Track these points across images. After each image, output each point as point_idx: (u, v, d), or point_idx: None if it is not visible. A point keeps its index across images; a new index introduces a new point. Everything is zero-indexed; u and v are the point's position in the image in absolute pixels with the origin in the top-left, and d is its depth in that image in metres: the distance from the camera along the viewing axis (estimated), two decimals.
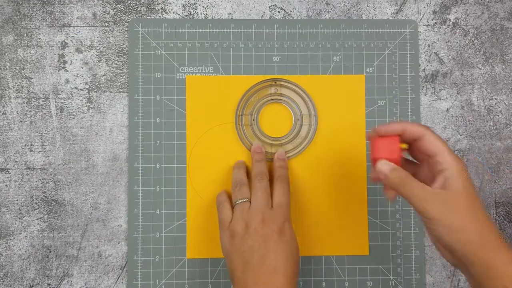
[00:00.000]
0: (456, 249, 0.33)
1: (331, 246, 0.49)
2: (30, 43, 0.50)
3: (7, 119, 0.49)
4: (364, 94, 0.51)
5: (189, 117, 0.50)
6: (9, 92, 0.50)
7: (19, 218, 0.49)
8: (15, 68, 0.50)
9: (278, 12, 0.52)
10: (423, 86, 0.52)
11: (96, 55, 0.50)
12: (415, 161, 0.40)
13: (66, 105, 0.50)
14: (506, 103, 0.52)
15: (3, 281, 0.48)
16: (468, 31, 0.52)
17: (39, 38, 0.50)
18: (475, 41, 0.52)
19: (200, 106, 0.50)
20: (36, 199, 0.49)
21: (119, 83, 0.50)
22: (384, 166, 0.36)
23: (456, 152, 0.51)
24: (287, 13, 0.52)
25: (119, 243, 0.49)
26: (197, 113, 0.50)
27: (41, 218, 0.49)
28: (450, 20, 0.52)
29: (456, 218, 0.33)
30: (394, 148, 0.37)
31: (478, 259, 0.33)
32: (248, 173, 0.48)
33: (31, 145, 0.49)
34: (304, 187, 0.50)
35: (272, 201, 0.43)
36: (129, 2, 0.51)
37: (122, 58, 0.50)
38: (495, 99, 0.52)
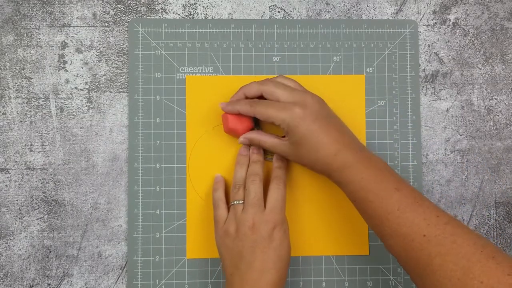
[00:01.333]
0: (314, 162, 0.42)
1: (330, 246, 0.49)
2: (30, 43, 0.50)
3: (7, 119, 0.49)
4: (364, 94, 0.51)
5: (189, 117, 0.50)
6: (9, 92, 0.50)
7: (19, 218, 0.49)
8: (15, 68, 0.50)
9: (278, 12, 0.52)
10: (423, 86, 0.52)
11: (96, 55, 0.50)
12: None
13: (66, 105, 0.50)
14: (506, 103, 0.52)
15: (3, 281, 0.48)
16: (468, 31, 0.52)
17: (39, 38, 0.50)
18: (475, 41, 0.52)
19: (200, 106, 0.50)
20: (36, 199, 0.49)
21: (119, 83, 0.50)
22: (241, 139, 0.46)
23: (456, 152, 0.51)
24: (287, 13, 0.52)
25: (119, 243, 0.49)
26: (197, 113, 0.50)
27: (41, 218, 0.49)
28: (450, 20, 0.52)
29: (297, 154, 0.43)
30: (245, 120, 0.47)
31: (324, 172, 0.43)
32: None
33: (31, 145, 0.49)
34: (303, 187, 0.50)
35: (265, 202, 0.44)
36: (129, 2, 0.51)
37: (122, 58, 0.50)
38: (495, 99, 0.52)
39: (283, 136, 0.45)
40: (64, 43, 0.50)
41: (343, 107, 0.50)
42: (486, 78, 0.52)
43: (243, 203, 0.44)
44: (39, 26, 0.50)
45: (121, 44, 0.51)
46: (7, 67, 0.50)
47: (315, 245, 0.49)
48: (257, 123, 0.48)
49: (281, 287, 0.42)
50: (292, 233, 0.49)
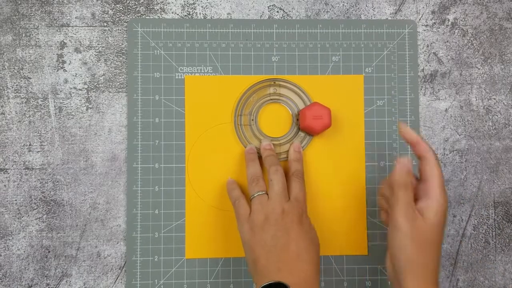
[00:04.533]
0: (397, 264, 0.38)
1: (330, 246, 0.49)
2: (28, 43, 0.50)
3: (5, 119, 0.49)
4: (363, 94, 0.51)
5: (188, 117, 0.50)
6: (7, 92, 0.50)
7: (18, 218, 0.49)
8: (14, 68, 0.50)
9: (277, 12, 0.52)
10: (422, 86, 0.52)
11: (95, 55, 0.50)
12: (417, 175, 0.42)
13: (64, 105, 0.50)
14: (505, 103, 0.52)
15: (1, 281, 0.48)
16: (467, 31, 0.52)
17: (38, 38, 0.50)
18: (474, 41, 0.52)
19: (199, 106, 0.50)
20: (34, 199, 0.49)
21: (118, 83, 0.50)
22: (406, 164, 0.39)
23: (455, 152, 0.51)
24: (286, 13, 0.52)
25: (118, 243, 0.49)
26: (196, 113, 0.50)
27: (39, 218, 0.49)
28: (449, 20, 0.52)
29: (412, 242, 0.37)
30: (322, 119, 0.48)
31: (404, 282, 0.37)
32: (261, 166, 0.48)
33: (30, 145, 0.49)
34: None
35: (289, 195, 0.44)
36: (128, 2, 0.51)
37: (121, 58, 0.50)
38: (494, 99, 0.52)
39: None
40: (63, 43, 0.50)
41: (342, 107, 0.50)
42: (484, 78, 0.52)
43: (265, 193, 0.44)
44: (38, 26, 0.50)
45: (120, 44, 0.51)
46: (6, 67, 0.50)
47: None
48: None
49: (317, 272, 0.41)
50: None
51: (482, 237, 0.51)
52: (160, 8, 0.51)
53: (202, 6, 0.51)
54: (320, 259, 0.45)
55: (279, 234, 0.41)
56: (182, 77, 0.50)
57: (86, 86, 0.50)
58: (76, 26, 0.50)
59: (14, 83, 0.50)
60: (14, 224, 0.49)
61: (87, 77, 0.50)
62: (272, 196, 0.43)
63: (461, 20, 0.52)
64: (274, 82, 0.50)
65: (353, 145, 0.50)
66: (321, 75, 0.51)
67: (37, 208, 0.49)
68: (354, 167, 0.50)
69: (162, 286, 0.48)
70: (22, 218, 0.49)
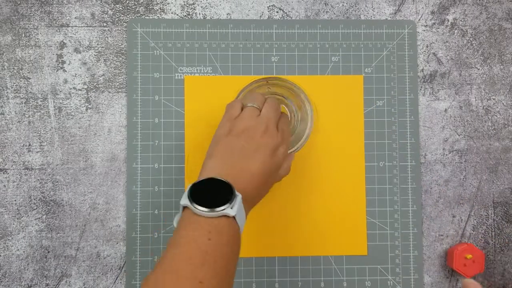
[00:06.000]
0: None
1: (329, 246, 0.49)
2: (28, 43, 0.50)
3: (5, 119, 0.49)
4: (362, 95, 0.51)
5: (187, 117, 0.50)
6: (7, 92, 0.49)
7: (17, 219, 0.49)
8: (13, 68, 0.50)
9: (277, 12, 0.52)
10: (421, 87, 0.52)
11: (95, 55, 0.50)
12: None
13: (64, 105, 0.50)
14: (504, 104, 0.52)
15: (1, 282, 0.48)
16: (466, 31, 0.52)
17: (37, 38, 0.50)
18: (473, 42, 0.52)
19: (199, 106, 0.50)
20: (34, 199, 0.49)
21: (118, 83, 0.50)
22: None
23: (454, 152, 0.51)
24: (286, 13, 0.52)
25: (117, 243, 0.49)
26: (195, 113, 0.50)
27: (39, 218, 0.49)
28: (448, 20, 0.52)
29: None
30: None
31: None
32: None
33: (29, 145, 0.49)
34: (302, 187, 0.50)
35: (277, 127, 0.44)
36: (127, 2, 0.51)
37: (120, 58, 0.50)
38: (493, 99, 0.52)
39: None
40: (62, 43, 0.50)
41: (342, 107, 0.50)
42: (484, 78, 0.52)
43: (259, 109, 0.43)
44: (38, 26, 0.50)
45: (120, 44, 0.51)
46: (5, 67, 0.50)
47: (313, 245, 0.49)
48: None
49: (259, 195, 0.41)
50: (291, 233, 0.49)
51: (481, 237, 0.51)
52: (160, 9, 0.51)
53: (201, 7, 0.51)
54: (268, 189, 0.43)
55: (247, 147, 0.40)
56: (182, 77, 0.50)
57: (85, 86, 0.50)
58: (75, 26, 0.50)
59: (14, 83, 0.50)
60: (13, 224, 0.49)
61: (87, 77, 0.50)
62: (263, 113, 0.43)
63: (461, 21, 0.52)
64: (267, 81, 0.50)
65: (353, 145, 0.50)
66: (321, 75, 0.51)
67: (36, 208, 0.49)
68: (354, 168, 0.50)
69: None
70: (22, 219, 0.49)
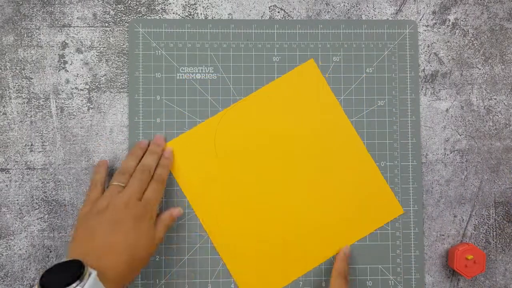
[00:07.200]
0: None
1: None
2: (30, 43, 0.50)
3: (7, 119, 0.49)
4: (322, 77, 0.50)
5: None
6: (9, 92, 0.50)
7: (20, 218, 0.49)
8: (16, 68, 0.50)
9: (278, 12, 0.52)
10: (422, 86, 0.52)
11: (96, 55, 0.50)
12: None
13: (66, 105, 0.50)
14: (506, 103, 0.52)
15: (3, 281, 0.48)
16: (468, 31, 0.52)
17: (40, 39, 0.50)
18: (474, 42, 0.52)
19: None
20: (36, 199, 0.49)
21: (119, 83, 0.50)
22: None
23: (455, 152, 0.51)
24: (287, 13, 0.52)
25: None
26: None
27: (41, 218, 0.49)
28: (449, 20, 0.52)
29: None
30: None
31: None
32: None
33: (32, 145, 0.49)
34: (302, 187, 0.50)
35: (142, 196, 0.44)
36: (129, 2, 0.51)
37: (122, 58, 0.51)
38: (495, 99, 0.52)
39: None
40: (64, 43, 0.50)
41: (309, 99, 0.50)
42: (485, 78, 0.52)
43: (123, 187, 0.44)
44: (40, 26, 0.50)
45: (121, 44, 0.51)
46: (8, 67, 0.50)
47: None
48: None
49: (129, 272, 0.40)
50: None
51: (482, 237, 0.51)
52: (161, 9, 0.51)
53: (203, 7, 0.51)
54: (146, 265, 0.43)
55: (107, 223, 0.40)
56: (183, 78, 0.50)
57: (87, 87, 0.50)
58: (77, 26, 0.50)
59: (16, 83, 0.50)
60: (15, 224, 0.49)
61: (89, 77, 0.50)
62: (125, 190, 0.43)
63: (462, 21, 0.52)
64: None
65: (341, 135, 0.50)
66: (274, 80, 0.51)
67: (38, 208, 0.49)
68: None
69: (163, 286, 0.48)
70: (24, 218, 0.49)
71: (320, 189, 0.50)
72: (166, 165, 0.48)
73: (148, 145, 0.49)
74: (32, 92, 0.50)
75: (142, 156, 0.47)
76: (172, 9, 0.51)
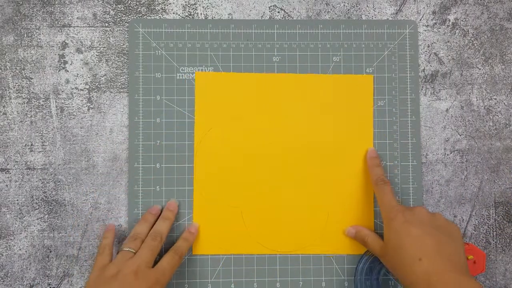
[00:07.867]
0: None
1: (330, 246, 0.49)
2: (30, 43, 0.50)
3: (7, 119, 0.49)
4: (372, 95, 0.51)
5: (198, 115, 0.50)
6: (9, 92, 0.50)
7: (20, 218, 0.49)
8: (16, 68, 0.50)
9: (278, 12, 0.52)
10: (422, 86, 0.52)
11: (96, 55, 0.50)
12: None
13: (66, 105, 0.50)
14: (506, 103, 0.52)
15: (3, 281, 0.48)
16: (468, 31, 0.52)
17: (40, 39, 0.50)
18: (474, 42, 0.52)
19: (209, 104, 0.50)
20: (36, 199, 0.49)
21: (119, 83, 0.50)
22: (350, 231, 0.49)
23: (455, 152, 0.51)
24: (287, 13, 0.52)
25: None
26: (204, 110, 0.50)
27: (41, 218, 0.49)
28: (449, 20, 0.52)
29: (386, 253, 0.43)
30: None
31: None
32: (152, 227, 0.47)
33: (32, 145, 0.49)
34: (303, 188, 0.50)
35: (157, 263, 0.43)
36: (129, 2, 0.51)
37: (122, 58, 0.51)
38: (495, 99, 0.52)
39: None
40: (64, 43, 0.50)
41: (348, 107, 0.50)
42: (485, 78, 0.52)
43: (134, 252, 0.43)
44: (40, 26, 0.50)
45: (121, 44, 0.51)
46: (8, 67, 0.50)
47: (314, 244, 0.49)
48: None
49: None
50: (292, 232, 0.49)
51: (483, 237, 0.51)
52: (161, 9, 0.51)
53: (203, 7, 0.51)
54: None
55: None
56: (183, 77, 0.50)
57: (87, 87, 0.50)
58: (77, 26, 0.50)
59: (16, 83, 0.50)
60: (15, 224, 0.49)
61: (89, 77, 0.50)
62: (135, 258, 0.42)
63: (462, 21, 0.52)
64: None
65: (359, 145, 0.50)
66: (322, 74, 0.51)
67: (38, 208, 0.49)
68: (355, 167, 0.50)
69: None
70: (24, 218, 0.49)
71: (322, 188, 0.50)
72: (189, 239, 0.47)
73: (161, 211, 0.48)
74: (32, 92, 0.50)
75: (154, 222, 0.47)
76: (172, 9, 0.51)
